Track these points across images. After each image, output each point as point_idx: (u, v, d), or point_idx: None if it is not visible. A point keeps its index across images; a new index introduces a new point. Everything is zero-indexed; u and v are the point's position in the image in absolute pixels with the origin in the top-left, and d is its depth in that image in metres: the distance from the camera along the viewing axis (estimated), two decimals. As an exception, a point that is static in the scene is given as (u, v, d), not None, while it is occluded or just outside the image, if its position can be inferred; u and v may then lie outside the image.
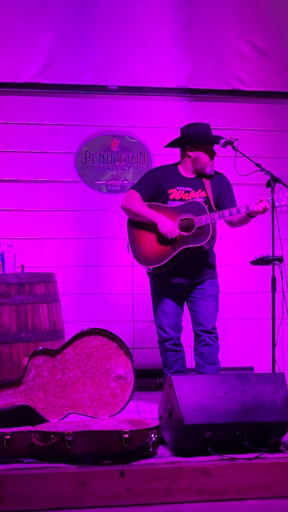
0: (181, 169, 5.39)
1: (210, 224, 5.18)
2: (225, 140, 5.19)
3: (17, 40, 6.40)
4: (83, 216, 6.58)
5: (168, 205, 5.28)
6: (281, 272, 4.95)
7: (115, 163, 6.63)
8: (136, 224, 5.31)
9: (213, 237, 5.25)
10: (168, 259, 5.19)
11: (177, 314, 5.40)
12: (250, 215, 5.19)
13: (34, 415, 4.73)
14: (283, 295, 4.98)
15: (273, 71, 6.79)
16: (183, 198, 5.29)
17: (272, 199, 4.98)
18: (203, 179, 5.35)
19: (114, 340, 5.08)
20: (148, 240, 5.26)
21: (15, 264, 5.87)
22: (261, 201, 5.07)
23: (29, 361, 4.98)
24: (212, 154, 5.32)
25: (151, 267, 5.23)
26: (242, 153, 5.19)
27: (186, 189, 5.32)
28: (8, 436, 4.10)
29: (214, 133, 5.38)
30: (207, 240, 5.18)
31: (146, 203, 5.31)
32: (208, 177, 5.36)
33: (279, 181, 5.01)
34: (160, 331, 5.38)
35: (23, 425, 4.41)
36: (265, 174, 5.04)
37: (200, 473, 4.03)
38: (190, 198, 5.29)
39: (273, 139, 6.79)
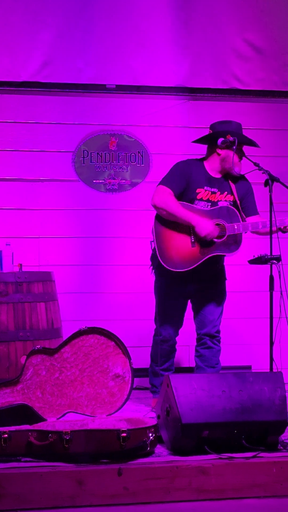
0: (207, 166, 5.29)
1: (242, 233, 5.15)
2: (223, 139, 5.18)
3: (16, 39, 6.40)
4: (81, 215, 6.58)
5: (197, 206, 5.17)
6: (279, 271, 4.95)
7: (113, 162, 6.63)
8: (166, 223, 5.16)
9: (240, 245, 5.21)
10: (196, 264, 5.11)
11: (181, 315, 5.36)
12: (283, 231, 5.15)
13: (31, 414, 4.73)
14: (281, 294, 4.98)
15: (271, 70, 6.79)
16: (210, 199, 5.22)
17: (270, 198, 4.97)
18: (230, 181, 5.28)
19: (112, 339, 5.08)
20: (177, 242, 5.14)
21: (13, 263, 5.87)
22: None
23: (26, 360, 4.98)
24: (241, 155, 5.24)
25: (177, 271, 5.11)
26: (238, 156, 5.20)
27: (213, 190, 5.23)
28: (6, 435, 4.10)
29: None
30: (238, 249, 5.16)
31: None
32: (233, 179, 5.29)
33: (277, 180, 5.01)
34: (163, 331, 5.32)
35: (21, 424, 4.41)
36: (263, 173, 5.03)
37: (198, 472, 4.03)
38: (216, 200, 5.22)
39: (272, 138, 6.80)
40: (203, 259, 5.12)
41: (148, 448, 4.15)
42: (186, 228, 5.13)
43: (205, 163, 5.30)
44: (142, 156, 6.66)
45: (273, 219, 4.95)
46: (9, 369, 5.27)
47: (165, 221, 5.17)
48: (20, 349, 5.31)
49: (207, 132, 5.40)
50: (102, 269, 6.60)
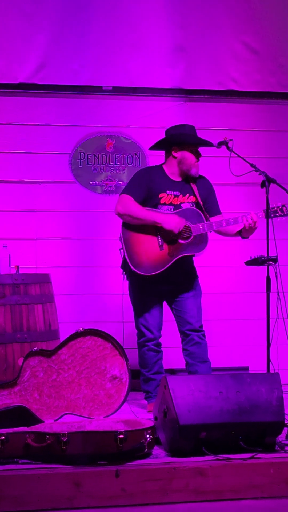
0: (167, 171, 5.37)
1: (207, 232, 5.18)
2: (219, 140, 5.19)
3: (12, 42, 6.39)
4: (78, 216, 6.58)
5: (160, 211, 5.24)
6: (276, 273, 4.96)
7: (109, 164, 6.63)
8: (132, 228, 5.24)
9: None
10: (166, 267, 5.17)
11: (160, 314, 5.42)
12: (242, 236, 5.23)
13: (29, 416, 4.73)
14: (278, 295, 4.99)
15: (267, 71, 6.80)
16: (172, 203, 5.27)
17: (267, 200, 4.98)
18: (191, 183, 5.34)
19: (109, 341, 5.08)
20: (145, 246, 5.21)
21: (10, 264, 5.87)
22: (256, 214, 5.11)
23: (24, 362, 4.98)
24: (197, 155, 5.31)
25: (147, 274, 5.18)
26: (236, 154, 5.20)
27: (175, 193, 5.30)
28: (3, 437, 4.10)
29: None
30: (205, 248, 5.20)
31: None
32: (194, 181, 5.34)
33: (274, 181, 5.02)
34: (145, 331, 5.38)
35: (18, 426, 4.41)
36: (259, 174, 5.05)
37: (195, 473, 4.03)
38: (178, 203, 5.27)
39: (268, 140, 6.80)
40: (173, 261, 5.18)
41: (146, 450, 4.15)
42: (152, 232, 5.20)
43: (164, 168, 5.40)
44: (138, 157, 6.66)
45: (236, 219, 5.08)
46: (6, 371, 5.27)
47: (131, 227, 5.24)
48: (17, 351, 5.31)
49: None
50: (99, 271, 6.60)
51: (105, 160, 6.63)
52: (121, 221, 5.29)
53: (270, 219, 5.00)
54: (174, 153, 5.32)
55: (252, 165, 5.10)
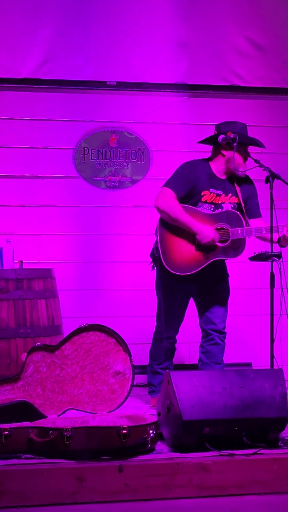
0: (213, 167, 5.28)
1: (246, 238, 5.16)
2: (223, 136, 5.17)
3: (16, 36, 6.39)
4: (82, 212, 6.58)
5: (200, 209, 5.18)
6: (280, 268, 4.95)
7: (113, 159, 6.62)
8: (170, 225, 5.17)
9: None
10: (199, 269, 5.13)
11: (183, 314, 5.38)
12: (281, 245, 5.14)
13: (32, 411, 4.74)
14: (282, 291, 4.98)
15: (271, 67, 6.78)
16: (214, 202, 5.22)
17: (271, 195, 4.97)
18: (235, 183, 5.28)
19: (113, 336, 5.08)
20: (181, 245, 5.16)
21: (14, 259, 5.87)
22: None
23: (27, 357, 4.98)
24: (246, 155, 5.23)
25: (180, 274, 5.13)
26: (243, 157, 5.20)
27: (217, 192, 5.23)
28: (7, 432, 4.10)
29: (214, 128, 5.37)
30: (241, 254, 5.17)
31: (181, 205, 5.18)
32: (238, 181, 5.29)
33: (278, 177, 5.01)
34: (164, 329, 5.32)
35: (22, 421, 4.41)
36: (264, 170, 5.03)
37: (199, 468, 4.03)
38: (220, 202, 5.22)
39: (272, 135, 6.79)
40: (206, 263, 5.15)
41: (149, 445, 4.16)
42: (189, 232, 5.14)
43: (211, 164, 5.30)
44: (142, 153, 6.65)
45: (277, 223, 4.98)
46: (9, 366, 5.28)
47: (169, 224, 5.17)
48: (20, 346, 5.31)
49: (207, 129, 5.42)
50: (103, 266, 6.59)
51: (109, 155, 6.62)
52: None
53: (273, 214, 4.98)
54: (223, 152, 5.23)
55: (256, 161, 5.08)
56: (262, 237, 5.31)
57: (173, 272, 5.13)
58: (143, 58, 6.59)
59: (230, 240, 5.14)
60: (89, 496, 3.92)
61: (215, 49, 6.68)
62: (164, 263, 5.14)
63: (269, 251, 4.98)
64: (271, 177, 5.00)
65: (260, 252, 5.04)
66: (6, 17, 6.37)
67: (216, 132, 5.27)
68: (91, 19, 6.48)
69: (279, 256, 4.97)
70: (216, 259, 5.16)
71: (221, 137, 5.16)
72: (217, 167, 5.28)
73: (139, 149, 6.65)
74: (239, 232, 5.13)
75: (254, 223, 5.28)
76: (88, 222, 6.58)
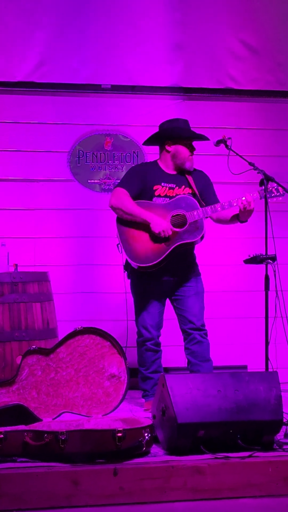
0: (161, 165, 5.39)
1: (203, 219, 5.19)
2: (218, 139, 5.20)
3: (11, 39, 6.39)
4: (77, 215, 6.58)
5: (155, 202, 5.26)
6: (274, 271, 4.96)
7: (108, 162, 6.63)
8: (127, 222, 5.28)
9: (204, 232, 5.24)
10: (163, 257, 5.17)
11: (160, 313, 5.41)
12: (240, 220, 5.21)
13: (27, 414, 4.73)
14: (276, 293, 4.99)
15: (265, 69, 6.79)
16: (168, 195, 5.29)
17: (265, 198, 4.98)
18: (186, 175, 5.34)
19: (108, 339, 5.08)
20: (141, 238, 5.23)
21: (8, 263, 5.87)
22: (251, 195, 5.11)
23: (22, 360, 4.98)
24: (191, 149, 5.32)
25: (146, 265, 5.18)
26: (235, 152, 5.20)
27: (170, 185, 5.31)
28: (2, 435, 4.10)
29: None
30: (201, 234, 5.20)
31: (134, 201, 5.28)
32: (190, 173, 5.35)
33: (272, 179, 5.02)
34: (143, 331, 5.39)
35: (17, 424, 4.41)
36: (258, 173, 5.04)
37: (194, 471, 4.03)
38: (174, 195, 5.28)
39: (266, 138, 6.80)
40: (169, 249, 5.18)
41: (144, 448, 4.15)
42: (145, 225, 5.21)
43: (159, 162, 5.43)
44: (137, 156, 6.66)
45: (230, 203, 5.09)
46: (4, 369, 5.27)
47: (125, 222, 5.28)
48: (15, 349, 5.31)
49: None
50: (98, 269, 6.60)
51: (104, 158, 6.63)
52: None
53: (268, 217, 4.99)
54: (167, 147, 5.34)
55: (250, 164, 5.10)
56: (220, 219, 5.34)
57: (138, 264, 5.19)
58: (138, 61, 6.60)
59: (188, 224, 5.17)
60: (84, 499, 3.92)
61: (210, 52, 6.70)
62: (128, 258, 5.22)
63: (264, 253, 4.99)
64: (266, 180, 5.02)
65: (254, 255, 5.05)
66: (1, 20, 6.38)
67: (159, 130, 5.39)
68: (87, 22, 6.48)
69: (273, 258, 4.97)
70: (178, 243, 5.18)
71: (215, 140, 5.21)
72: (165, 164, 5.39)
73: (133, 152, 6.65)
74: (195, 213, 5.17)
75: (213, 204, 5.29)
76: (83, 225, 6.58)
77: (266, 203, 4.98)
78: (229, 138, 5.18)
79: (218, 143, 5.20)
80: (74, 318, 6.28)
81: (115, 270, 6.54)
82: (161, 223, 5.16)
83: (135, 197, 5.29)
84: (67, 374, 5.03)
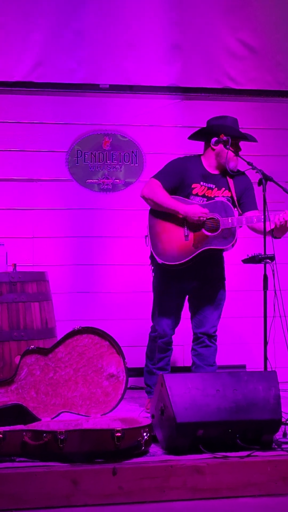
0: (204, 162, 5.28)
1: (237, 227, 5.12)
2: (216, 138, 5.18)
3: (9, 38, 6.39)
4: (75, 214, 6.58)
5: (191, 201, 5.17)
6: (273, 271, 4.95)
7: (106, 162, 6.62)
8: (159, 215, 5.17)
9: (236, 240, 5.17)
10: (189, 258, 5.10)
11: (178, 313, 5.34)
12: (273, 235, 5.07)
13: (26, 414, 4.73)
14: (275, 293, 4.98)
15: (264, 69, 6.79)
16: (206, 195, 5.20)
17: (264, 197, 4.97)
18: (228, 177, 5.26)
19: (106, 339, 5.08)
20: (170, 235, 5.14)
21: (7, 262, 5.86)
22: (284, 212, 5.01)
23: (21, 360, 4.98)
24: (236, 149, 5.22)
25: (169, 263, 5.11)
26: (234, 151, 5.19)
27: (209, 185, 5.22)
28: (1, 435, 4.10)
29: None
30: (232, 243, 5.13)
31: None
32: (232, 176, 5.27)
33: (271, 179, 5.01)
34: (158, 328, 5.30)
35: (15, 424, 4.41)
36: (256, 172, 5.03)
37: (193, 471, 4.03)
38: (213, 196, 5.20)
39: (265, 138, 6.78)
40: (197, 252, 5.11)
41: (143, 448, 4.15)
42: (180, 221, 5.13)
43: (202, 159, 5.30)
44: (135, 155, 6.66)
45: (267, 217, 4.95)
46: (3, 369, 5.27)
47: (158, 214, 5.17)
48: (14, 349, 5.30)
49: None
50: (96, 269, 6.59)
51: (102, 158, 6.62)
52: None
53: (266, 217, 4.98)
54: (213, 146, 5.23)
55: (249, 163, 5.09)
56: (254, 228, 5.25)
57: (162, 261, 5.12)
58: (136, 61, 6.59)
59: (220, 230, 5.11)
60: (83, 499, 3.92)
61: (208, 52, 6.69)
62: (153, 253, 5.14)
63: (263, 253, 4.98)
64: (264, 180, 5.00)
65: (253, 255, 5.04)
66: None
67: (207, 126, 5.30)
68: (84, 22, 6.48)
69: (272, 258, 4.97)
70: (206, 248, 5.11)
71: (213, 139, 5.17)
72: (208, 162, 5.28)
73: (132, 151, 6.65)
74: (229, 221, 5.10)
75: (248, 215, 5.25)
76: (81, 225, 6.58)
77: (265, 203, 4.97)
78: (228, 138, 5.16)
79: (216, 143, 5.19)
80: (72, 317, 6.27)
81: (114, 269, 6.55)
82: (195, 208, 5.06)
83: (171, 192, 5.18)
84: (65, 374, 5.03)
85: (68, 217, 6.57)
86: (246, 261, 5.12)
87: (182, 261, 5.11)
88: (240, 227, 5.17)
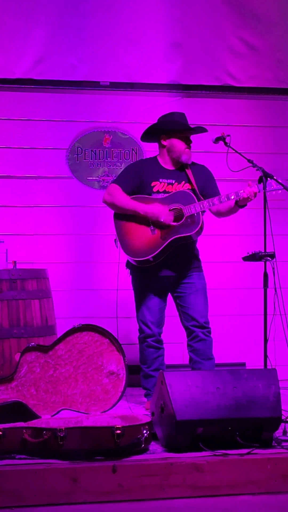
0: (160, 161, 5.36)
1: (200, 213, 5.14)
2: (217, 136, 5.19)
3: (10, 36, 6.38)
4: (75, 212, 6.58)
5: (153, 197, 5.23)
6: (273, 268, 4.96)
7: (107, 159, 6.62)
8: (123, 217, 5.25)
9: (203, 226, 5.19)
10: (159, 250, 5.13)
11: (160, 310, 5.36)
12: (239, 205, 5.13)
13: (26, 411, 4.74)
14: (275, 291, 4.99)
15: (264, 67, 6.79)
16: (167, 190, 5.25)
17: (264, 195, 4.98)
18: (186, 170, 5.31)
19: (106, 336, 5.08)
20: (137, 233, 5.19)
21: (7, 260, 5.87)
22: (249, 186, 5.04)
23: (21, 357, 4.98)
24: (187, 142, 5.28)
25: (141, 259, 5.15)
26: (234, 149, 5.19)
27: (169, 181, 5.28)
28: (1, 432, 4.10)
29: (208, 128, 5.38)
30: (197, 229, 5.14)
31: (131, 196, 5.26)
32: (191, 168, 5.31)
33: (271, 177, 5.01)
34: (144, 327, 5.34)
35: (15, 421, 4.41)
36: (257, 170, 5.04)
37: (192, 468, 4.03)
38: (174, 191, 5.24)
39: (265, 135, 6.80)
40: (165, 243, 5.13)
41: (143, 445, 4.16)
42: (143, 219, 5.19)
43: (158, 158, 5.40)
44: (136, 153, 6.65)
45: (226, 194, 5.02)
46: (3, 366, 5.27)
47: (122, 216, 5.26)
48: (14, 346, 5.31)
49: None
50: (96, 267, 6.59)
51: (102, 155, 6.62)
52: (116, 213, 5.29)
53: (267, 215, 4.98)
54: (163, 142, 5.32)
55: (249, 161, 5.09)
56: (218, 211, 5.29)
57: (134, 258, 5.17)
58: (136, 58, 6.59)
59: (184, 217, 5.14)
60: (83, 496, 3.92)
61: (209, 49, 6.69)
62: (124, 253, 5.19)
63: (263, 251, 4.99)
64: (264, 177, 5.01)
65: (253, 252, 5.05)
66: (0, 16, 6.37)
67: (154, 124, 5.36)
68: (85, 19, 6.47)
69: (272, 256, 4.97)
70: (174, 237, 5.14)
71: (214, 137, 5.19)
72: (163, 159, 5.35)
73: (132, 149, 6.65)
74: (192, 207, 5.13)
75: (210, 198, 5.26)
76: (81, 223, 6.58)
77: (265, 200, 4.97)
78: (228, 135, 5.17)
79: (217, 140, 5.19)
80: (72, 315, 6.28)
81: (114, 267, 6.53)
82: (155, 208, 5.13)
83: (132, 193, 5.27)
84: (65, 371, 5.03)
85: (68, 214, 6.56)
86: (246, 258, 5.12)
87: (153, 254, 5.14)
88: (203, 212, 5.16)
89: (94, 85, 6.57)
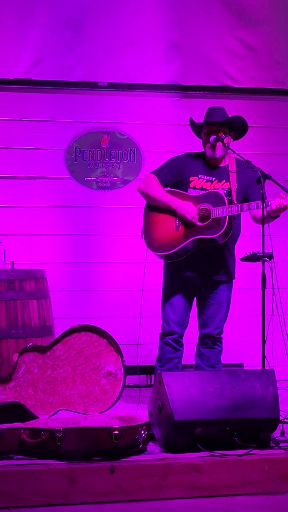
0: (206, 157, 5.26)
1: (227, 217, 5.02)
2: (215, 136, 5.18)
3: (7, 36, 6.37)
4: (73, 212, 6.57)
5: (187, 193, 5.16)
6: (271, 269, 4.96)
7: (105, 160, 6.62)
8: (153, 209, 5.19)
9: (228, 231, 5.06)
10: (178, 248, 5.07)
11: (184, 309, 5.27)
12: (271, 215, 4.99)
13: (24, 412, 4.73)
14: (273, 291, 4.99)
15: (262, 67, 6.78)
16: (204, 187, 5.17)
17: (262, 195, 4.97)
18: (229, 169, 5.23)
19: (104, 337, 5.08)
20: (162, 227, 5.15)
21: (5, 260, 5.86)
22: (281, 198, 4.91)
23: (19, 358, 4.98)
24: (208, 136, 5.19)
25: (159, 253, 5.12)
26: (232, 150, 5.19)
27: (208, 178, 5.20)
28: (-2, 433, 4.11)
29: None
30: (220, 232, 5.02)
31: (165, 189, 5.21)
32: (238, 168, 5.22)
33: (269, 177, 5.00)
34: (165, 324, 5.27)
35: (13, 422, 4.41)
36: (255, 170, 5.03)
37: (190, 469, 4.04)
38: (211, 188, 5.17)
39: (263, 136, 6.80)
40: (186, 242, 5.07)
41: (141, 446, 4.16)
42: (171, 213, 5.14)
43: (205, 154, 5.28)
44: (134, 153, 6.65)
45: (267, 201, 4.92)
46: (1, 367, 5.27)
47: (151, 208, 5.21)
48: (12, 347, 5.31)
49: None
50: (94, 267, 6.59)
51: (101, 156, 6.62)
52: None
53: (265, 214, 4.98)
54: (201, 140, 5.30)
55: (247, 162, 5.08)
56: (255, 218, 5.17)
57: (152, 251, 5.14)
58: (134, 59, 6.59)
59: (211, 219, 5.05)
60: (80, 496, 3.93)
61: (206, 50, 6.68)
62: (144, 242, 5.16)
63: (261, 251, 4.98)
64: (263, 178, 4.99)
65: (251, 253, 5.05)
66: (-2, 17, 6.38)
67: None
68: (82, 20, 6.47)
69: (270, 256, 4.97)
70: (195, 237, 5.07)
71: (212, 137, 5.17)
72: (206, 155, 5.26)
73: (130, 149, 6.65)
74: (220, 210, 5.04)
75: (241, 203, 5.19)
76: (79, 223, 6.57)
77: (263, 201, 4.97)
78: (226, 136, 5.16)
79: (215, 141, 5.18)
80: (70, 315, 6.27)
81: (112, 268, 6.55)
82: (185, 205, 5.07)
83: (170, 186, 5.21)
84: (63, 372, 5.03)
85: (67, 215, 6.56)
86: (244, 259, 5.12)
87: (171, 251, 5.09)
88: (233, 216, 5.10)
89: (92, 86, 6.56)
